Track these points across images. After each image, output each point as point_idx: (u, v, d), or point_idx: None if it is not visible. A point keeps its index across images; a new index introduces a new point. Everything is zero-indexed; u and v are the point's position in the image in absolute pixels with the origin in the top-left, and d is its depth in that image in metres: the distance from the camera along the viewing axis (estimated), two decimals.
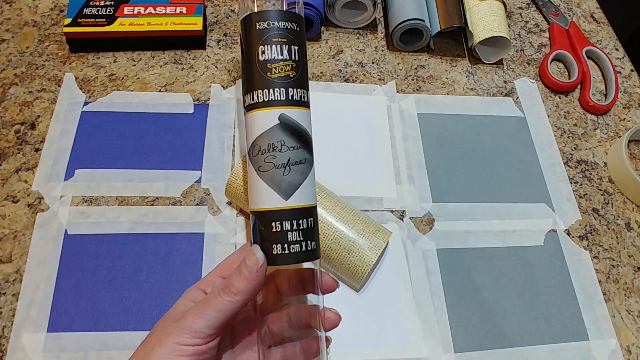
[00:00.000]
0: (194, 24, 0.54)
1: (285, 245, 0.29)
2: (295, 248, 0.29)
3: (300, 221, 0.29)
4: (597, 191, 0.54)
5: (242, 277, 0.28)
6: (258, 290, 0.29)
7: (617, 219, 0.52)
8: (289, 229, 0.28)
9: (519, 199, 0.52)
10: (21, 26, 0.56)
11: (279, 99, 0.29)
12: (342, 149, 0.52)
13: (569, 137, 0.57)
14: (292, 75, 0.29)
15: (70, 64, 0.54)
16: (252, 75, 0.30)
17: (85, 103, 0.51)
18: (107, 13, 0.54)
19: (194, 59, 0.56)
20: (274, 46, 0.29)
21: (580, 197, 0.53)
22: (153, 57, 0.55)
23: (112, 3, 0.54)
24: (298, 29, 0.30)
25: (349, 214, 0.44)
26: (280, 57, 0.29)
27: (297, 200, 0.29)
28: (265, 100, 0.29)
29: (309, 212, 0.30)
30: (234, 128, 0.52)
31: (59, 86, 0.52)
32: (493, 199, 0.51)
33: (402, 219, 0.49)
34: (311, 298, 0.34)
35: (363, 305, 0.44)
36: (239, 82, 0.55)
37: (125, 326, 0.41)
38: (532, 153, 0.55)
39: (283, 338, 0.33)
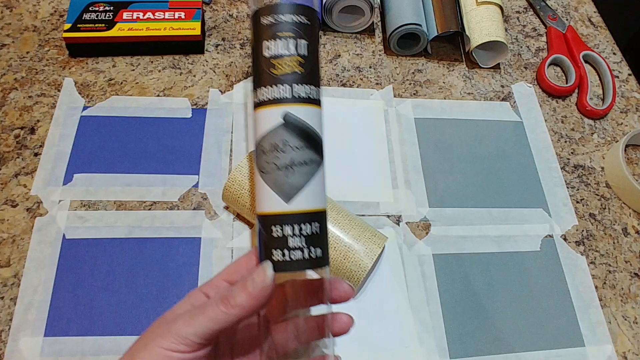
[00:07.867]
0: (193, 29, 0.55)
1: (286, 252, 0.27)
2: (297, 255, 0.27)
3: (303, 226, 0.27)
4: (594, 196, 0.54)
5: (246, 291, 0.27)
6: (259, 309, 0.27)
7: (614, 224, 0.52)
8: (290, 234, 0.27)
9: (515, 204, 0.52)
10: (21, 31, 0.56)
11: (283, 96, 0.27)
12: (338, 153, 0.52)
13: (566, 141, 0.57)
14: (299, 72, 0.28)
15: (69, 68, 0.54)
16: (258, 72, 0.28)
17: (84, 108, 0.52)
18: (107, 18, 0.54)
19: (192, 64, 0.56)
20: (279, 41, 0.28)
21: (577, 202, 0.53)
22: (152, 62, 0.56)
23: (112, 8, 0.54)
24: (308, 22, 0.28)
25: (345, 218, 0.44)
26: (286, 52, 0.28)
27: (299, 204, 0.27)
28: (270, 98, 0.28)
29: (314, 216, 0.28)
30: (232, 133, 0.52)
31: (59, 91, 0.52)
32: (490, 204, 0.52)
33: (398, 224, 0.49)
34: (320, 308, 0.32)
35: (358, 311, 0.44)
36: (237, 86, 0.55)
37: (122, 331, 0.41)
38: (529, 158, 0.55)
39: (287, 350, 0.31)
